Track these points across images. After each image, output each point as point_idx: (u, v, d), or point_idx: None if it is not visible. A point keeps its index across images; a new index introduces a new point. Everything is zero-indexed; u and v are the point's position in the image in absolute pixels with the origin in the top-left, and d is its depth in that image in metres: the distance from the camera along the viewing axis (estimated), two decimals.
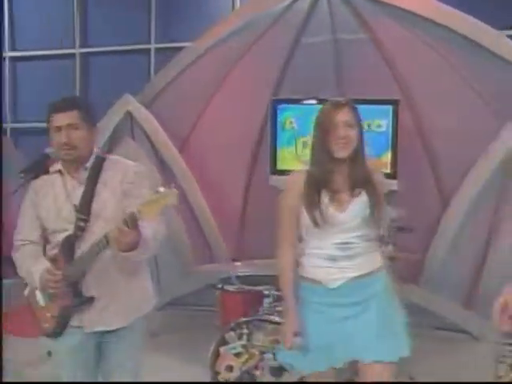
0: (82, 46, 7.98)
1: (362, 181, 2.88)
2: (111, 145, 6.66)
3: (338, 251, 2.87)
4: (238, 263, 4.48)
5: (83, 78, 7.97)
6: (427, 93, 5.99)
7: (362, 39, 6.05)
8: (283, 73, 6.41)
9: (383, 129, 5.77)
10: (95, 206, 2.94)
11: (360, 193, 2.89)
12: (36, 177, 2.95)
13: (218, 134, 6.65)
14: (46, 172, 2.96)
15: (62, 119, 2.92)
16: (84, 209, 2.93)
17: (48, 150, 2.96)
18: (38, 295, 3.06)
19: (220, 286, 4.51)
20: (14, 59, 8.31)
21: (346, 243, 2.87)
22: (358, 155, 2.89)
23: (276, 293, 4.08)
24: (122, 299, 3.01)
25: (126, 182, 2.97)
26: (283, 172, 5.85)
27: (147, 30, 7.62)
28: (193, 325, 5.96)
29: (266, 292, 4.06)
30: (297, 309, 2.90)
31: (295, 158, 6.04)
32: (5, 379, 3.88)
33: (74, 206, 2.95)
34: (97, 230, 2.91)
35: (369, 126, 5.79)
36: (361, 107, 5.68)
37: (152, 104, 6.80)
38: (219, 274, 4.70)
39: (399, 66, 6.02)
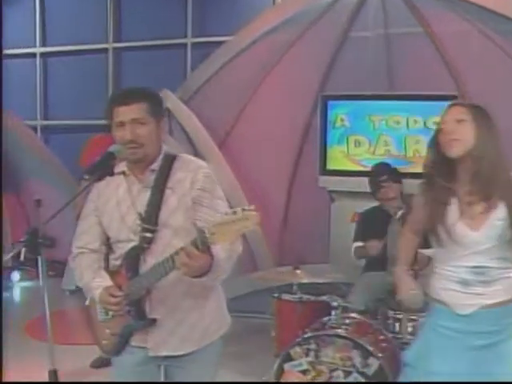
0: (115, 41, 7.74)
1: (497, 189, 2.48)
2: None
3: (471, 275, 2.51)
4: (299, 271, 4.16)
5: (116, 74, 7.73)
6: (485, 89, 5.65)
7: (416, 33, 5.75)
8: (330, 68, 6.14)
9: None
10: (163, 214, 2.58)
11: (497, 205, 2.48)
12: (100, 179, 2.60)
13: (260, 131, 6.38)
14: (112, 173, 2.63)
15: (125, 113, 2.56)
16: (150, 218, 2.58)
17: (113, 149, 2.60)
18: (98, 309, 2.75)
19: (277, 294, 4.21)
20: (44, 55, 8.08)
21: (481, 267, 2.50)
22: (482, 157, 2.48)
23: (344, 304, 3.79)
24: (192, 323, 2.65)
25: (196, 187, 2.59)
26: (333, 172, 5.68)
27: (183, 24, 7.37)
28: (245, 332, 5.65)
29: (334, 303, 3.75)
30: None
31: (346, 157, 5.75)
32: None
33: (139, 214, 2.60)
34: (165, 241, 2.59)
35: (424, 123, 5.49)
36: (415, 103, 5.63)
37: (191, 100, 6.52)
38: (270, 282, 4.41)
39: (455, 60, 5.71)
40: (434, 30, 5.67)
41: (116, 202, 2.67)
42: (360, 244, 4.60)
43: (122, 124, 2.57)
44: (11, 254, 2.32)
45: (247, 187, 6.47)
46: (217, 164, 6.34)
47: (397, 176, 4.79)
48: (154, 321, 2.60)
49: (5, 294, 6.89)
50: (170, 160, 2.68)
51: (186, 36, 7.36)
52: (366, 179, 5.60)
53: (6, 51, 8.01)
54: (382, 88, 5.88)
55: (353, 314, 3.84)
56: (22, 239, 2.32)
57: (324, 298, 3.99)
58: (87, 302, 2.79)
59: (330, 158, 5.79)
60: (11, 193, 7.76)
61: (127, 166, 2.69)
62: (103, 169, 2.59)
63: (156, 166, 2.65)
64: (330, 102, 5.75)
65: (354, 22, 6.03)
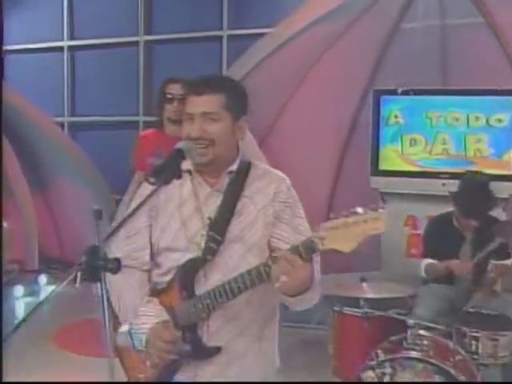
0: (146, 34, 7.41)
1: None
2: None
3: None
4: (365, 283, 3.77)
5: (147, 69, 7.39)
6: None
7: (476, 24, 5.41)
8: (379, 62, 5.87)
9: (504, 124, 5.07)
10: (235, 225, 2.18)
11: None
12: (168, 182, 2.14)
13: (302, 129, 6.09)
14: (180, 175, 2.22)
15: (196, 105, 2.16)
16: (220, 226, 2.19)
17: (182, 145, 2.16)
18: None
19: (338, 308, 3.83)
20: (72, 48, 7.75)
21: None
22: None
23: (424, 323, 3.39)
24: (256, 352, 2.24)
25: (279, 200, 2.22)
26: (386, 173, 5.34)
27: (219, 16, 7.04)
28: (296, 345, 5.28)
29: (410, 322, 3.35)
30: None
31: (400, 157, 5.39)
32: None
33: (209, 218, 2.20)
34: (233, 257, 2.18)
35: (487, 120, 5.11)
36: (476, 99, 5.24)
37: None
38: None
39: None
40: (496, 21, 5.33)
41: (178, 203, 2.25)
42: (432, 261, 4.15)
43: (190, 117, 2.17)
44: (67, 281, 1.86)
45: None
46: (257, 161, 6.04)
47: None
48: (216, 350, 2.17)
49: (31, 299, 6.61)
50: (246, 166, 2.29)
51: (221, 28, 7.02)
52: (421, 180, 5.26)
53: (33, 45, 7.73)
54: (435, 83, 5.57)
55: (427, 333, 3.44)
56: (79, 261, 1.86)
57: (393, 313, 3.60)
58: (122, 329, 2.25)
59: (382, 157, 5.44)
60: (37, 191, 7.45)
61: (194, 164, 2.28)
62: (172, 171, 2.18)
63: (234, 168, 2.25)
64: (383, 97, 5.40)
65: (406, 12, 5.75)
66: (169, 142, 3.43)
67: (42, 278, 7.13)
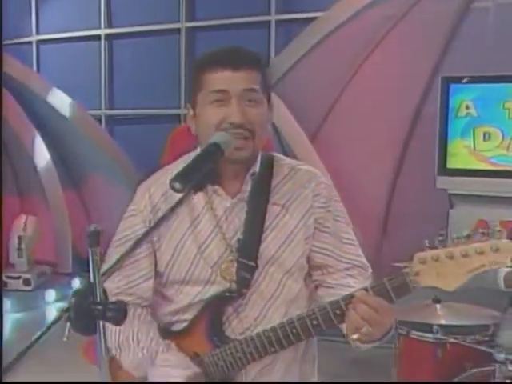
0: (188, 20, 6.94)
1: None
2: None
3: None
4: (439, 305, 3.19)
5: (189, 58, 6.94)
6: None
7: None
8: (448, 45, 5.32)
9: None
10: (268, 242, 1.70)
11: None
12: (199, 188, 1.65)
13: (357, 123, 5.66)
14: (215, 180, 1.70)
15: (232, 81, 1.65)
16: (250, 248, 1.69)
17: (219, 138, 1.63)
18: None
19: (405, 331, 3.26)
20: (110, 37, 7.36)
21: None
22: None
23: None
24: (295, 376, 1.80)
25: (319, 204, 1.74)
26: (455, 172, 4.90)
27: (266, 0, 6.50)
28: (343, 363, 4.77)
29: (500, 356, 2.76)
30: None
31: (472, 153, 4.86)
32: None
33: (238, 240, 1.69)
34: (269, 285, 1.70)
35: None
36: None
37: (276, 87, 5.71)
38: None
39: None
40: None
41: (190, 223, 1.72)
42: (509, 270, 3.61)
43: (222, 97, 1.65)
44: (40, 336, 1.30)
45: (342, 187, 5.56)
46: (307, 159, 5.65)
47: None
48: None
49: (63, 304, 6.22)
50: (268, 163, 1.78)
51: (269, 13, 6.49)
52: (495, 181, 4.73)
53: (68, 34, 7.34)
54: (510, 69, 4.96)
55: None
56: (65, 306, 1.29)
57: (472, 340, 3.02)
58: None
59: (451, 154, 4.91)
60: (71, 188, 7.11)
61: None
62: (204, 172, 1.62)
63: (256, 168, 1.74)
64: (453, 86, 4.87)
65: None
66: None
67: (76, 282, 6.72)
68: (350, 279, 1.73)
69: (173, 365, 1.67)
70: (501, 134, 4.77)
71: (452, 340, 3.09)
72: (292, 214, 1.71)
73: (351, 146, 5.69)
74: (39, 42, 7.60)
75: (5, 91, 6.68)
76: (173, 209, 1.65)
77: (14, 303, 5.96)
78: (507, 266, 1.48)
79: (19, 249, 6.59)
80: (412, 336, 3.28)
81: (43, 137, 6.82)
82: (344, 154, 5.74)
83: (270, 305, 1.69)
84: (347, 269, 1.75)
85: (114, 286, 1.74)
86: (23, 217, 6.88)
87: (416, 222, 5.44)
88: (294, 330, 1.59)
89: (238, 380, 1.69)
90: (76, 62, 7.34)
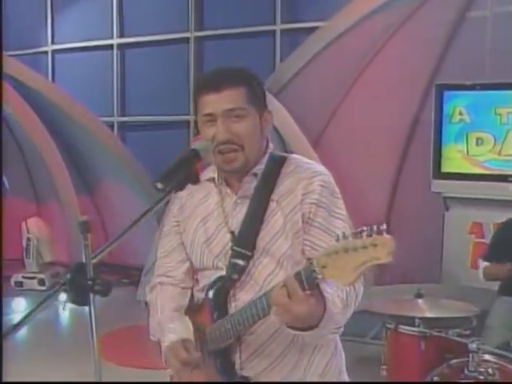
0: (197, 30, 7.14)
1: None
2: None
3: None
4: (421, 300, 3.36)
5: (198, 66, 7.13)
6: None
7: None
8: (444, 54, 5.44)
9: None
10: (262, 235, 1.88)
11: None
12: (180, 187, 1.85)
13: (359, 129, 5.78)
14: (196, 180, 1.89)
15: (216, 103, 1.84)
16: (246, 239, 1.88)
17: (198, 145, 1.86)
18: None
19: (392, 325, 3.44)
20: (122, 46, 7.58)
21: None
22: None
23: (484, 347, 2.95)
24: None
25: (309, 200, 1.86)
26: (449, 176, 4.99)
27: (271, 9, 6.70)
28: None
29: (473, 346, 2.92)
30: None
31: (465, 158, 4.99)
32: None
33: (232, 233, 1.90)
34: (262, 273, 1.88)
35: None
36: None
37: (280, 93, 5.95)
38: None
39: None
40: None
41: (202, 219, 1.97)
42: (488, 264, 3.81)
43: (211, 118, 1.86)
44: (44, 303, 1.59)
45: (344, 192, 5.67)
46: None
47: None
48: (246, 380, 1.90)
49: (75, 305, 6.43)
50: (279, 163, 1.95)
51: (274, 22, 6.68)
52: (488, 184, 4.84)
53: (81, 43, 7.58)
54: (505, 76, 5.09)
55: (494, 359, 3.01)
56: (61, 279, 1.58)
57: (454, 333, 3.18)
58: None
59: (445, 158, 5.05)
60: (84, 194, 7.32)
61: (218, 170, 1.97)
62: (183, 174, 1.84)
63: (259, 168, 1.93)
64: (447, 93, 5.02)
65: None
66: None
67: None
68: None
69: (175, 332, 1.94)
70: (493, 139, 4.88)
71: (434, 333, 3.26)
72: (283, 210, 1.87)
73: (353, 152, 5.80)
74: (54, 51, 7.85)
75: (21, 100, 6.92)
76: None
77: (30, 302, 6.19)
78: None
79: (27, 250, 6.84)
80: (399, 330, 3.46)
81: (57, 144, 7.01)
82: (346, 159, 5.82)
83: (262, 291, 1.82)
84: None
85: (158, 270, 2.09)
86: (34, 220, 7.12)
87: (416, 223, 5.59)
88: (251, 309, 1.77)
89: (235, 354, 1.89)
90: (89, 71, 7.57)
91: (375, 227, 1.47)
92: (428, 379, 3.14)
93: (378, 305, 3.60)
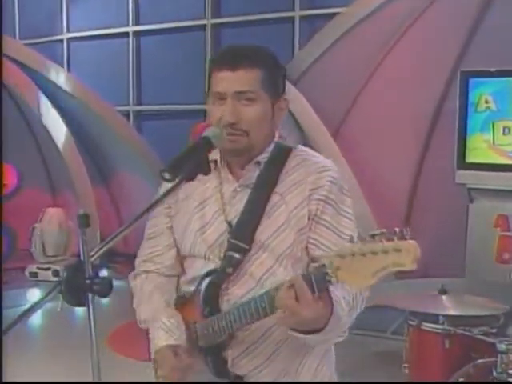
0: (213, 17, 7.01)
1: None
2: None
3: None
4: (445, 296, 3.22)
5: (215, 53, 6.95)
6: None
7: None
8: (470, 40, 5.25)
9: None
10: (263, 229, 1.77)
11: None
12: (191, 177, 1.70)
13: (380, 118, 5.63)
14: (208, 170, 1.73)
15: (228, 82, 1.74)
16: (244, 231, 1.78)
17: (210, 132, 1.74)
18: None
19: (415, 322, 3.30)
20: (138, 34, 7.48)
21: None
22: None
23: None
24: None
25: (317, 196, 1.77)
26: (475, 166, 4.86)
27: None
28: (364, 355, 4.78)
29: (502, 346, 2.78)
30: None
31: (492, 148, 4.82)
32: None
33: (228, 223, 1.79)
34: (259, 269, 1.77)
35: None
36: None
37: (299, 82, 5.85)
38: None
39: None
40: None
41: (199, 203, 1.85)
42: None
43: (221, 96, 1.75)
44: (36, 305, 1.47)
45: (364, 183, 5.74)
46: (330, 156, 5.59)
47: None
48: (238, 378, 1.81)
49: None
50: (285, 153, 1.84)
51: (293, 8, 6.52)
52: None
53: (96, 31, 7.49)
54: None
55: None
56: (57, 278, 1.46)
57: (480, 332, 3.04)
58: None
59: (470, 148, 4.87)
60: (100, 185, 7.25)
61: (221, 153, 1.85)
62: (193, 163, 1.70)
63: (263, 157, 1.82)
64: (473, 80, 4.83)
65: None
66: None
67: (104, 273, 6.88)
68: None
69: (166, 335, 1.81)
70: None
71: (459, 331, 3.12)
72: (287, 204, 1.77)
73: (373, 142, 5.67)
74: (69, 39, 7.77)
75: (36, 89, 6.85)
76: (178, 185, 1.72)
77: (44, 293, 6.12)
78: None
79: (31, 239, 6.79)
80: (422, 327, 3.33)
81: (73, 134, 6.96)
82: (366, 149, 5.72)
83: (258, 287, 1.75)
84: None
85: (143, 254, 1.96)
86: (49, 209, 7.06)
87: (438, 216, 5.45)
88: (250, 307, 1.66)
89: (226, 351, 1.78)
90: (105, 59, 7.49)
91: (398, 230, 1.37)
92: (453, 379, 3.01)
93: (399, 300, 3.48)
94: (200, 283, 1.81)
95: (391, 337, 4.92)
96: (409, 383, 3.48)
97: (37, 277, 6.68)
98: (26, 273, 6.75)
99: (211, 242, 1.81)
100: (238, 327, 1.71)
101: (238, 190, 1.81)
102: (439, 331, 3.20)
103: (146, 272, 1.96)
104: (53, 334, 5.36)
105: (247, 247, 1.75)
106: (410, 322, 3.39)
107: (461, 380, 2.99)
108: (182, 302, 1.88)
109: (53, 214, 6.94)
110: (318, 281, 1.48)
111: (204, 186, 1.85)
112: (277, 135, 1.87)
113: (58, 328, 5.39)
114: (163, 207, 1.91)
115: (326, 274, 1.47)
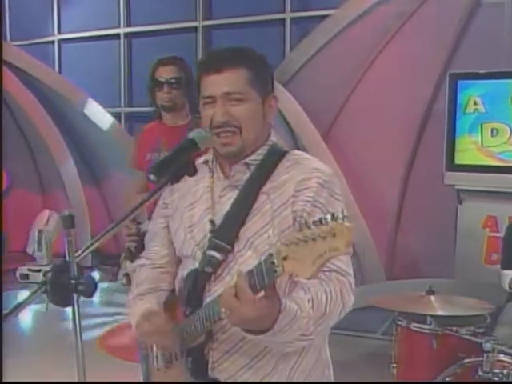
0: (204, 19, 7.02)
1: None
2: None
3: None
4: (433, 297, 3.23)
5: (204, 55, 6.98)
6: None
7: None
8: (458, 42, 5.32)
9: None
10: (247, 228, 1.75)
11: None
12: (177, 179, 1.73)
13: (370, 120, 5.67)
14: (193, 172, 1.75)
15: (216, 84, 1.75)
16: (227, 230, 1.76)
17: (195, 134, 1.76)
18: (155, 353, 1.91)
19: (404, 322, 3.31)
20: (129, 36, 7.47)
21: None
22: None
23: (499, 347, 2.83)
24: None
25: (304, 198, 1.73)
26: (463, 168, 4.90)
27: None
28: (353, 354, 4.79)
29: (488, 345, 2.80)
30: None
31: (480, 149, 4.86)
32: None
33: (211, 222, 1.79)
34: (243, 267, 1.70)
35: None
36: None
37: (290, 83, 5.87)
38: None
39: None
40: None
41: (191, 203, 1.86)
42: None
43: (211, 100, 1.76)
44: (21, 305, 1.48)
45: (354, 184, 5.74)
46: (320, 157, 5.61)
47: None
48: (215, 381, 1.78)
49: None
50: (278, 156, 1.83)
51: (284, 10, 6.54)
52: (503, 176, 4.72)
53: (88, 33, 7.48)
54: None
55: (508, 359, 2.88)
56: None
57: (467, 332, 3.06)
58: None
59: (459, 150, 4.94)
60: (91, 185, 7.25)
61: (214, 154, 1.86)
62: (178, 165, 1.72)
63: (254, 159, 1.80)
64: (461, 82, 4.90)
65: None
66: (172, 133, 2.97)
67: (95, 275, 6.87)
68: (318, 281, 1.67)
69: (135, 313, 1.83)
70: (509, 130, 4.75)
71: (446, 331, 3.13)
72: (273, 202, 1.75)
73: (364, 143, 5.70)
74: (61, 41, 7.75)
75: (28, 91, 6.84)
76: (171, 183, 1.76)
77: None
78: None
79: (39, 242, 6.73)
80: (409, 327, 3.32)
81: (64, 135, 6.94)
82: (357, 150, 5.75)
83: None
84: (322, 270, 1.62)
85: (144, 252, 2.01)
86: (47, 212, 7.03)
87: (427, 217, 5.48)
88: (209, 308, 1.65)
89: (208, 353, 1.76)
90: (96, 61, 7.46)
91: (336, 214, 1.32)
92: (440, 379, 3.03)
93: (388, 301, 3.48)
94: (184, 282, 1.81)
95: (381, 337, 4.92)
96: (398, 383, 3.50)
97: (28, 279, 6.65)
98: (17, 275, 6.73)
99: (198, 240, 1.81)
100: (209, 326, 1.69)
101: (227, 190, 1.81)
102: (427, 331, 3.20)
103: (141, 266, 1.99)
104: (40, 335, 5.34)
105: (228, 247, 1.74)
106: (399, 323, 3.40)
107: (448, 379, 3.01)
108: (172, 303, 1.88)
109: (53, 217, 6.93)
110: (260, 276, 1.45)
111: (198, 186, 1.86)
112: (273, 138, 1.86)
113: (45, 329, 5.38)
114: (161, 207, 1.94)
115: (273, 263, 1.42)
